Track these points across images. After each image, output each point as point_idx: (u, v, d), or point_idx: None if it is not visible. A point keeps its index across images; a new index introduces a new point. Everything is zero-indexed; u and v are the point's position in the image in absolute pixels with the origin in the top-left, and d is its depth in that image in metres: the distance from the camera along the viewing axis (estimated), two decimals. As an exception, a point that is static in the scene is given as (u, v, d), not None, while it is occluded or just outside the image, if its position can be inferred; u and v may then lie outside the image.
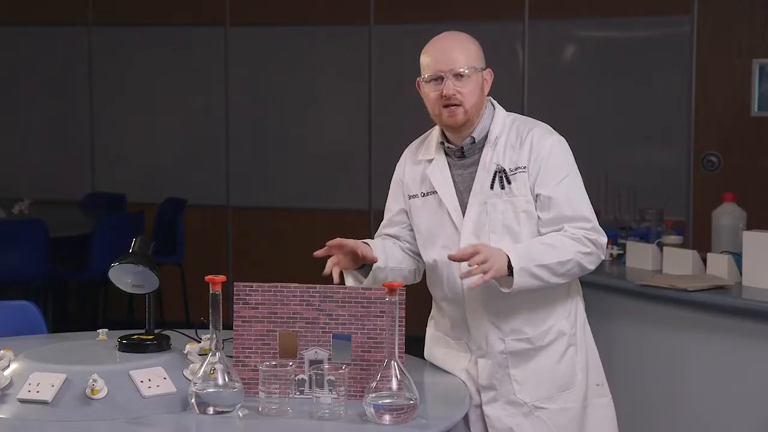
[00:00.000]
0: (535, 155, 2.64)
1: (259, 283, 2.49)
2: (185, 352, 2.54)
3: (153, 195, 7.23)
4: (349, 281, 2.74)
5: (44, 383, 2.33)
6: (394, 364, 2.29)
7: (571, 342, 2.72)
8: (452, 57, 2.63)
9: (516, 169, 2.65)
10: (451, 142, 2.72)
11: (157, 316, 2.99)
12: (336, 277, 2.63)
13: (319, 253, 2.65)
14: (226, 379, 2.33)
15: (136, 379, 2.38)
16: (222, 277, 2.37)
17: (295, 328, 2.47)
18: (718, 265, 3.87)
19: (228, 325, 2.41)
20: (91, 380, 2.32)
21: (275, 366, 2.35)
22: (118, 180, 7.52)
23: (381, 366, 2.31)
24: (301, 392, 2.43)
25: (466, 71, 2.62)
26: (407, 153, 2.85)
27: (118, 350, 2.58)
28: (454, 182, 2.71)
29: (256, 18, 7.38)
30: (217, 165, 7.49)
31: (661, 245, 4.28)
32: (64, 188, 7.69)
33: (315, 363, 2.42)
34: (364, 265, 2.71)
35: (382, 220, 2.91)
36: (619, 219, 4.74)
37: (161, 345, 2.59)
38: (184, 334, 2.80)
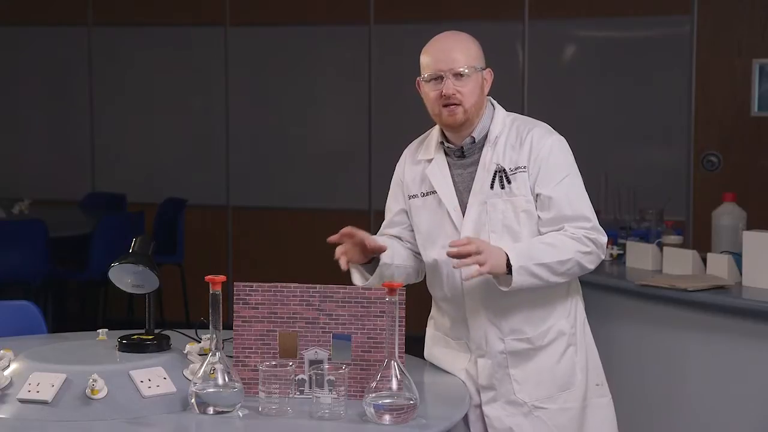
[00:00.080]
0: (535, 155, 2.64)
1: (259, 283, 2.49)
2: (185, 352, 2.54)
3: (153, 195, 7.23)
4: (355, 277, 2.74)
5: (44, 383, 2.33)
6: (394, 364, 2.29)
7: (570, 342, 2.72)
8: (452, 56, 2.63)
9: (516, 168, 2.65)
10: (451, 142, 2.72)
11: (157, 316, 2.99)
12: (344, 265, 2.64)
13: (333, 238, 2.65)
14: (226, 379, 2.33)
15: (136, 379, 2.38)
16: (222, 277, 2.37)
17: (295, 328, 2.47)
18: (718, 265, 3.87)
19: (228, 325, 2.41)
20: (91, 380, 2.32)
21: (275, 366, 2.35)
22: (118, 180, 7.53)
23: (381, 366, 2.31)
24: (301, 392, 2.43)
25: (466, 71, 2.63)
26: (407, 153, 2.85)
27: (118, 350, 2.58)
28: (453, 182, 2.71)
29: (256, 18, 7.38)
30: (217, 165, 7.49)
31: (661, 245, 4.28)
32: (64, 188, 7.69)
33: (315, 363, 2.42)
34: (372, 259, 2.70)
35: (382, 220, 2.90)
36: (619, 219, 4.74)
37: (161, 345, 2.59)
38: (184, 334, 2.80)
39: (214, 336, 2.35)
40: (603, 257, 2.68)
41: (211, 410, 2.32)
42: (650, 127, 6.65)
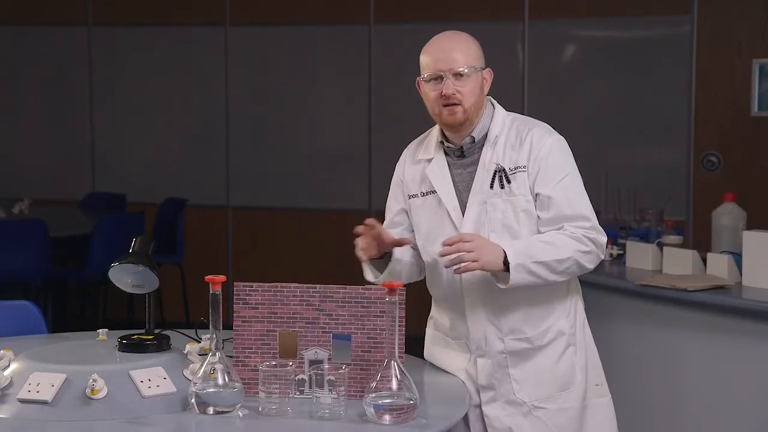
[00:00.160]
0: (535, 155, 2.64)
1: (259, 283, 2.49)
2: (185, 352, 2.54)
3: (153, 195, 7.23)
4: (367, 273, 2.74)
5: (44, 383, 2.33)
6: (394, 364, 2.29)
7: (570, 342, 2.72)
8: (452, 56, 2.63)
9: (516, 168, 2.65)
10: (451, 142, 2.72)
11: (157, 316, 2.99)
12: (365, 258, 2.67)
13: (359, 229, 2.67)
14: (226, 379, 2.33)
15: (136, 379, 2.38)
16: (222, 277, 2.37)
17: (295, 328, 2.47)
18: (718, 265, 3.87)
19: (228, 325, 2.41)
20: (91, 380, 2.32)
21: (275, 366, 2.35)
22: (118, 180, 7.53)
23: (381, 366, 2.31)
24: (301, 392, 2.44)
25: (466, 70, 2.63)
26: (407, 153, 2.85)
27: (118, 350, 2.58)
28: (453, 182, 2.71)
29: (256, 18, 7.38)
30: (217, 165, 7.49)
31: (661, 245, 4.28)
32: (64, 188, 7.70)
33: (315, 363, 2.42)
34: (383, 255, 2.71)
35: (382, 220, 2.90)
36: (619, 219, 4.74)
37: (161, 345, 2.59)
38: (184, 334, 2.80)
39: (214, 336, 2.34)
40: (602, 257, 2.68)
41: (211, 410, 2.32)
42: (650, 127, 6.65)
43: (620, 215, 4.77)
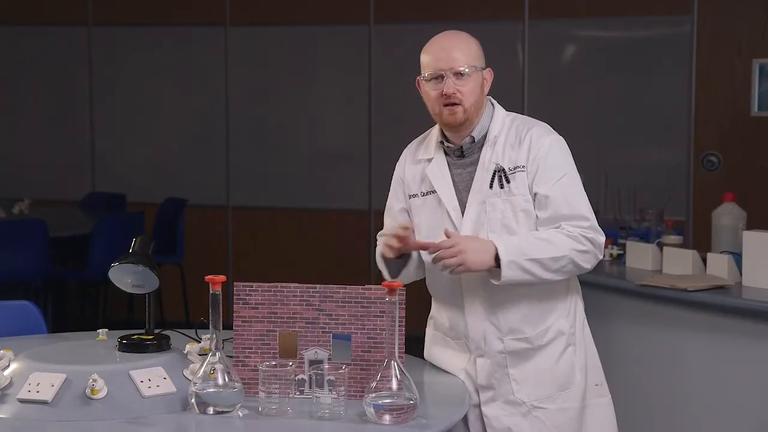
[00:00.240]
0: (534, 154, 2.64)
1: (259, 283, 2.49)
2: (185, 352, 2.54)
3: (153, 195, 7.23)
4: (384, 273, 2.73)
5: (44, 383, 2.33)
6: (394, 364, 2.29)
7: (570, 341, 2.72)
8: (453, 56, 2.63)
9: (515, 168, 2.65)
10: (451, 142, 2.72)
11: (157, 316, 2.99)
12: (393, 255, 2.63)
13: (401, 232, 2.61)
14: (226, 379, 2.33)
15: (136, 379, 2.38)
16: (222, 277, 2.37)
17: (295, 328, 2.47)
18: (718, 265, 3.87)
19: (228, 325, 2.41)
20: (91, 380, 2.32)
21: (275, 366, 2.35)
22: (118, 180, 7.53)
23: (381, 366, 2.30)
24: (301, 392, 2.44)
25: (467, 70, 2.63)
26: (407, 152, 2.85)
27: (118, 350, 2.58)
28: (453, 181, 2.71)
29: (256, 18, 7.39)
30: (217, 165, 7.49)
31: (661, 245, 4.28)
32: (64, 188, 7.70)
33: (315, 363, 2.42)
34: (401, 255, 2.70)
35: (382, 220, 2.90)
36: (619, 219, 4.74)
37: (161, 345, 2.59)
38: (184, 334, 2.80)
39: (214, 336, 2.35)
40: (601, 257, 2.67)
41: (211, 410, 2.32)
42: (650, 127, 6.65)
43: (620, 215, 4.77)
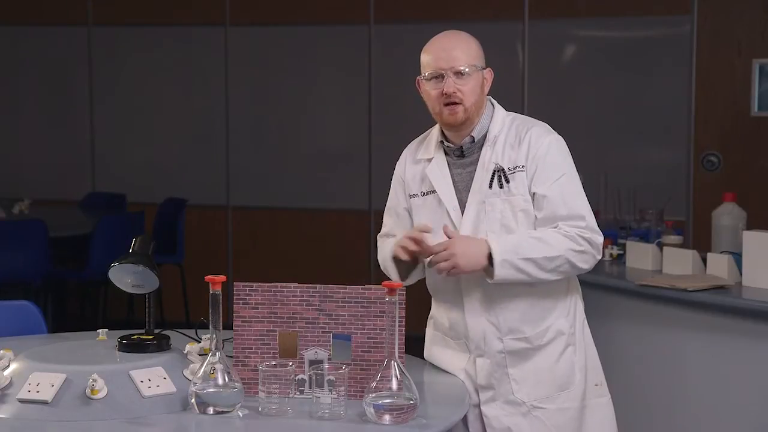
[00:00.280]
0: (533, 154, 2.64)
1: (259, 283, 2.48)
2: (185, 352, 2.54)
3: (153, 195, 7.23)
4: (393, 274, 2.72)
5: (44, 383, 2.33)
6: (394, 364, 2.28)
7: (569, 341, 2.72)
8: (453, 55, 2.63)
9: (514, 168, 2.65)
10: (451, 141, 2.73)
11: (157, 316, 2.99)
12: (404, 256, 2.61)
13: (421, 236, 2.61)
14: (226, 379, 2.33)
15: (136, 379, 2.38)
16: (222, 277, 2.37)
17: (295, 328, 2.47)
18: (718, 265, 3.87)
19: (228, 325, 2.41)
20: (91, 380, 2.32)
21: (275, 366, 2.35)
22: (118, 180, 7.53)
23: (381, 366, 2.30)
24: (301, 392, 2.44)
25: (467, 69, 2.63)
26: (407, 152, 2.85)
27: (118, 350, 2.58)
28: (453, 181, 2.71)
29: (256, 18, 7.39)
30: (217, 165, 7.49)
31: (661, 245, 4.28)
32: (64, 188, 7.70)
33: (315, 363, 2.42)
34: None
35: (381, 220, 2.90)
36: (619, 219, 4.74)
37: (161, 345, 2.59)
38: (184, 334, 2.80)
39: (214, 336, 2.34)
40: (599, 257, 2.66)
41: (211, 410, 2.32)
42: (650, 127, 6.65)
43: (620, 215, 4.77)
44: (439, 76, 2.64)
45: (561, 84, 6.81)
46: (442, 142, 2.75)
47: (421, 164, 2.78)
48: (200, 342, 2.66)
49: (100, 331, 2.79)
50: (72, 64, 7.75)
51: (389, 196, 2.87)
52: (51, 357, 2.50)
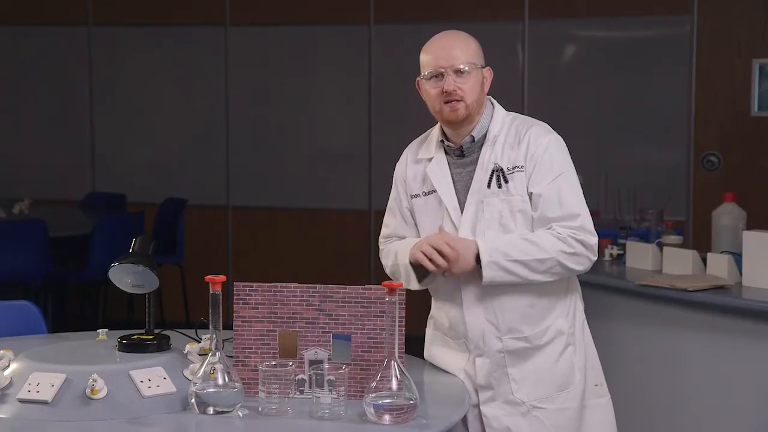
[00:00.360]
0: (531, 153, 2.64)
1: (259, 283, 2.48)
2: (185, 352, 2.54)
3: (153, 195, 7.23)
4: (412, 283, 2.70)
5: (44, 383, 2.33)
6: (394, 364, 2.29)
7: (569, 341, 2.72)
8: (452, 54, 2.64)
9: (513, 168, 2.65)
10: (451, 141, 2.73)
11: (157, 316, 2.99)
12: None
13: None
14: (226, 379, 2.33)
15: (136, 379, 2.38)
16: (222, 277, 2.37)
17: (295, 328, 2.47)
18: (718, 265, 3.87)
19: (228, 325, 2.41)
20: (91, 380, 2.32)
21: (275, 366, 2.35)
22: (118, 180, 7.53)
23: (381, 366, 2.30)
24: (301, 392, 2.44)
25: (466, 68, 2.63)
26: (408, 152, 2.85)
27: (118, 350, 2.58)
28: (453, 181, 2.71)
29: (256, 18, 7.39)
30: (217, 165, 7.49)
31: (661, 245, 4.28)
32: (64, 188, 7.70)
33: (315, 363, 2.42)
34: None
35: (381, 220, 2.89)
36: (619, 219, 4.75)
37: (161, 345, 2.59)
38: (184, 334, 2.80)
39: (214, 336, 2.34)
40: (594, 258, 2.64)
41: (211, 410, 2.32)
42: (650, 127, 6.65)
43: (620, 215, 4.77)
44: (438, 75, 2.64)
45: (561, 84, 6.82)
46: (442, 141, 2.75)
47: (421, 164, 2.78)
48: (200, 342, 2.66)
49: (100, 331, 2.79)
50: (72, 64, 7.75)
51: (390, 196, 2.87)
52: (51, 357, 2.50)
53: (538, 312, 2.68)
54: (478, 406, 2.70)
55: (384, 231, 2.87)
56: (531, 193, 2.63)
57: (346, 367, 2.34)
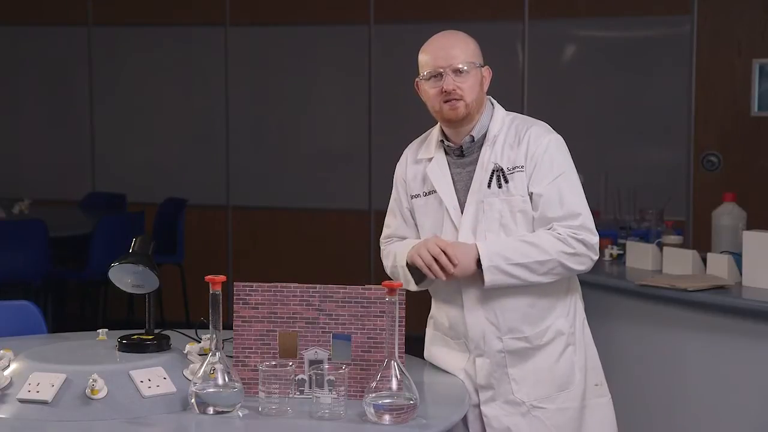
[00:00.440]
0: (532, 153, 2.64)
1: (259, 283, 2.48)
2: (185, 352, 2.54)
3: (153, 195, 7.23)
4: (410, 284, 2.71)
5: (44, 383, 2.33)
6: (394, 364, 2.28)
7: (569, 341, 2.71)
8: (451, 53, 2.64)
9: (513, 168, 2.65)
10: (451, 141, 2.73)
11: (157, 316, 2.99)
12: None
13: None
14: (226, 379, 2.33)
15: (136, 379, 2.38)
16: (222, 277, 2.37)
17: (295, 328, 2.47)
18: (718, 265, 3.87)
19: (228, 325, 2.41)
20: (91, 380, 2.32)
21: (275, 366, 2.35)
22: (118, 180, 7.53)
23: (381, 366, 2.30)
24: (301, 392, 2.43)
25: (465, 67, 2.63)
26: (408, 152, 2.85)
27: (118, 350, 2.58)
28: (453, 181, 2.71)
29: (256, 18, 7.39)
30: (217, 165, 7.49)
31: (661, 245, 4.28)
32: (64, 188, 7.70)
33: (315, 363, 2.42)
34: None
35: (382, 220, 2.89)
36: (619, 219, 4.75)
37: (161, 345, 2.59)
38: (184, 334, 2.80)
39: (214, 336, 2.34)
40: (595, 258, 2.64)
41: (211, 410, 2.32)
42: (650, 127, 6.65)
43: (620, 215, 4.77)
44: (437, 75, 2.64)
45: (561, 84, 6.82)
46: (442, 141, 2.75)
47: (421, 164, 2.78)
48: (200, 342, 2.66)
49: (100, 331, 2.79)
50: (72, 64, 7.75)
51: (391, 196, 2.87)
52: (51, 357, 2.50)
53: (539, 312, 2.68)
54: (478, 406, 2.70)
55: (385, 231, 2.87)
56: (531, 193, 2.63)
57: (346, 367, 2.34)
